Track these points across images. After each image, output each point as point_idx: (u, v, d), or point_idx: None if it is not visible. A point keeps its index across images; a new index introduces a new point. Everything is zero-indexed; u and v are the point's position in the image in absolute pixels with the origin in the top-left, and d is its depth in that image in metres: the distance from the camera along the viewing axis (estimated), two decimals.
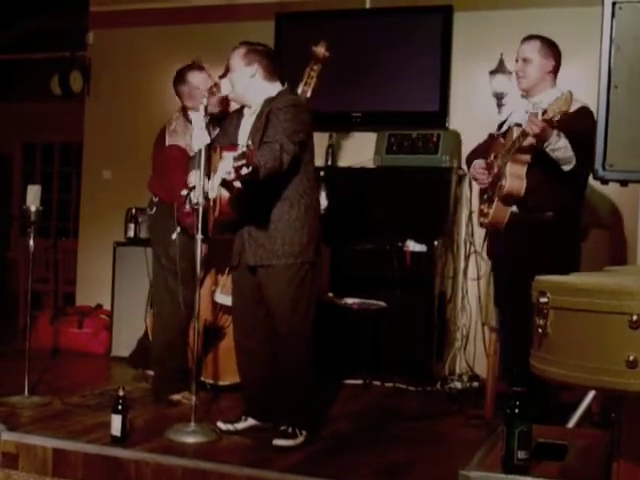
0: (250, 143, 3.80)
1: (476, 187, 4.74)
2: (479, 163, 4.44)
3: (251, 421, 4.26)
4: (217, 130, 4.59)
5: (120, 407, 3.92)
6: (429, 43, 6.10)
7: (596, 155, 3.20)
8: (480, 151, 4.56)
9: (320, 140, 6.18)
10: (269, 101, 4.14)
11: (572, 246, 4.32)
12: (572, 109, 4.05)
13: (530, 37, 4.33)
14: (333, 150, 6.23)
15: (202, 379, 4.98)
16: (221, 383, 5.13)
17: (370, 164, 6.03)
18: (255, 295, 4.17)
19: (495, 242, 4.44)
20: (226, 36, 6.44)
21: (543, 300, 2.39)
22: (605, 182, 3.54)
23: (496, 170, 4.28)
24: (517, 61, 4.34)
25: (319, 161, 6.09)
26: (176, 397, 4.79)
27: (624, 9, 3.26)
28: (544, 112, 3.81)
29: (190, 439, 4.03)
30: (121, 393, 3.93)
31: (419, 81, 6.13)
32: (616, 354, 2.20)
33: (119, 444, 3.89)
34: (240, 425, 4.25)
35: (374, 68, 6.20)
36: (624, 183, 3.45)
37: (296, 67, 6.38)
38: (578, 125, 3.99)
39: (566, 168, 4.05)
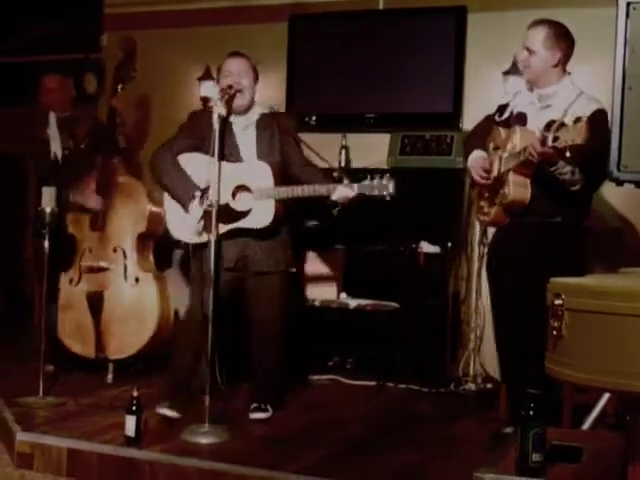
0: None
1: None
2: (480, 162, 4.22)
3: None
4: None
5: (134, 408, 3.93)
6: (443, 44, 6.08)
7: (610, 156, 3.19)
8: (479, 135, 4.40)
9: (333, 141, 6.21)
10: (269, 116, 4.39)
11: (579, 252, 4.21)
12: (588, 111, 3.82)
13: (537, 23, 4.10)
14: (346, 151, 6.23)
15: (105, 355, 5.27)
16: (122, 356, 5.29)
17: (384, 165, 6.02)
18: (230, 298, 4.45)
19: (497, 243, 4.37)
20: (240, 38, 6.46)
21: (558, 302, 2.39)
22: (620, 183, 3.53)
23: (496, 173, 4.13)
24: (522, 49, 4.13)
25: (332, 162, 6.11)
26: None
27: (638, 10, 3.25)
28: (555, 139, 3.52)
29: (204, 440, 4.03)
30: (135, 394, 3.94)
31: (432, 82, 6.12)
32: (631, 356, 2.20)
33: (133, 445, 3.90)
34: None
35: (387, 69, 6.19)
36: (638, 184, 3.44)
37: (309, 68, 6.42)
38: (593, 136, 3.56)
39: (573, 188, 3.91)
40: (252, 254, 4.47)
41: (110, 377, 5.28)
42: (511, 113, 4.25)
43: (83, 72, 7.17)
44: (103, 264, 5.34)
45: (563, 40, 4.10)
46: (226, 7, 6.70)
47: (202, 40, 6.66)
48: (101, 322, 5.25)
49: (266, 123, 4.53)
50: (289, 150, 4.57)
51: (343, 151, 6.21)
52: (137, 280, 5.32)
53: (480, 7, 5.98)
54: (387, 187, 4.31)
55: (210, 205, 4.17)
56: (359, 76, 6.24)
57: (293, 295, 4.70)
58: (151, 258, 5.53)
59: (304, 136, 6.31)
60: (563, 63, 4.12)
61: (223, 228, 4.32)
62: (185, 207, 4.36)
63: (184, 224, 4.40)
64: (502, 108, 4.33)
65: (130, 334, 5.25)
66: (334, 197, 4.39)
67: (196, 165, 4.38)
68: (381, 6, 6.34)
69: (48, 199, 4.80)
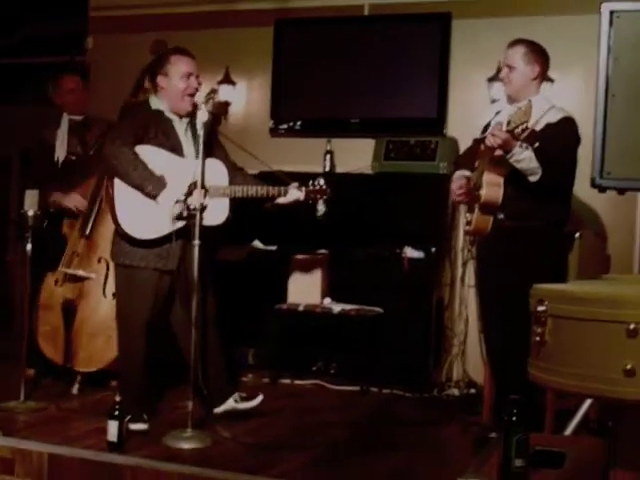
0: None
1: None
2: (459, 180, 4.44)
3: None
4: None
5: (116, 413, 3.91)
6: (427, 50, 6.10)
7: (594, 163, 3.20)
8: (466, 156, 4.59)
9: (318, 146, 6.21)
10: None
11: (558, 255, 4.33)
12: (555, 119, 4.14)
13: (515, 42, 4.32)
14: (331, 156, 6.23)
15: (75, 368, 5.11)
16: (88, 369, 5.12)
17: (368, 170, 6.02)
18: (167, 296, 4.49)
19: (481, 249, 4.46)
20: (225, 42, 6.46)
21: (541, 308, 2.39)
22: (603, 190, 3.55)
23: (475, 179, 4.29)
24: (503, 67, 4.35)
25: (317, 167, 6.12)
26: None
27: (622, 18, 3.27)
28: (508, 123, 3.79)
29: (187, 445, 4.02)
30: (117, 399, 3.92)
31: (417, 88, 6.13)
32: (614, 362, 2.21)
33: (115, 450, 3.88)
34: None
35: (372, 75, 6.20)
36: (621, 191, 3.46)
37: (294, 73, 6.42)
38: (556, 136, 4.04)
39: (532, 179, 4.01)
40: (190, 251, 4.32)
41: (76, 388, 5.09)
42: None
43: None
44: (83, 273, 5.15)
45: (541, 56, 4.30)
46: (211, 11, 6.69)
47: (186, 44, 6.63)
48: (72, 331, 5.08)
49: (202, 125, 4.46)
50: (220, 154, 4.60)
51: (328, 156, 6.21)
52: (114, 295, 4.91)
53: (464, 14, 6.00)
54: (326, 192, 4.60)
55: (193, 208, 4.17)
56: (344, 81, 6.25)
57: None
58: None
59: (289, 140, 6.35)
60: (541, 77, 4.33)
61: (179, 225, 4.31)
62: (155, 199, 4.27)
63: (141, 220, 4.36)
64: (486, 127, 4.46)
65: (97, 349, 5.02)
66: (286, 199, 4.54)
67: (149, 158, 4.33)
68: (366, 12, 6.36)
69: (30, 202, 4.77)
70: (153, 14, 6.85)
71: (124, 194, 4.34)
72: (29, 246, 4.79)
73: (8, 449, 3.93)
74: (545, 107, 4.18)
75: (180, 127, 4.44)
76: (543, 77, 4.35)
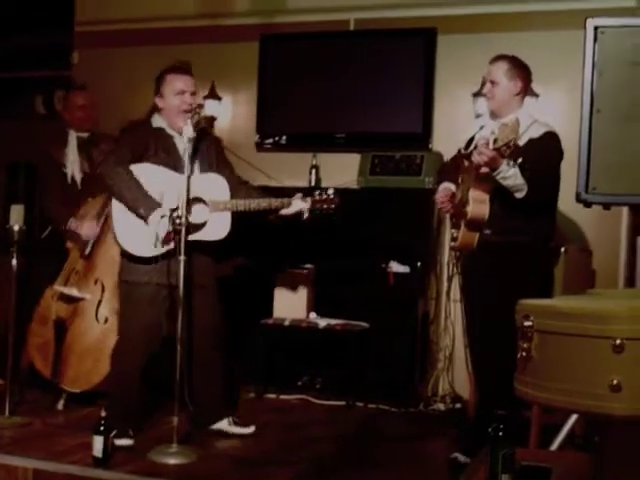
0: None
1: None
2: (444, 190, 4.44)
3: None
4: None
5: (102, 428, 3.90)
6: (413, 65, 6.12)
7: (579, 178, 3.23)
8: (449, 170, 4.57)
9: (303, 160, 6.22)
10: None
11: (545, 270, 4.34)
12: (537, 134, 4.14)
13: (497, 58, 4.32)
14: (317, 171, 6.24)
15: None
16: (74, 390, 5.06)
17: (354, 185, 6.03)
18: (162, 312, 4.45)
19: (467, 263, 4.46)
20: (211, 57, 6.47)
21: (527, 323, 2.39)
22: (588, 205, 3.57)
23: (460, 195, 4.28)
24: (486, 82, 4.35)
25: (302, 181, 6.13)
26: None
27: (606, 34, 3.30)
28: (495, 140, 3.76)
29: (172, 460, 4.01)
30: (103, 414, 3.90)
31: (403, 103, 6.14)
32: (600, 378, 2.21)
33: (101, 465, 3.87)
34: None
35: (358, 89, 6.22)
36: (607, 206, 3.47)
37: (279, 88, 6.43)
38: (540, 151, 4.03)
39: (518, 195, 3.99)
40: (195, 267, 4.42)
41: (61, 404, 5.05)
42: (476, 146, 4.32)
43: (53, 89, 7.14)
44: (77, 294, 5.08)
45: (523, 71, 4.30)
46: (197, 26, 6.70)
47: (173, 58, 6.65)
48: (63, 349, 5.02)
49: (203, 140, 4.53)
50: (224, 169, 4.63)
51: (313, 170, 6.21)
52: (106, 320, 5.01)
53: (449, 29, 6.03)
54: (334, 201, 4.60)
55: (179, 223, 4.16)
56: (330, 96, 6.26)
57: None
58: None
59: (275, 155, 6.36)
60: (523, 92, 4.32)
61: (164, 247, 4.32)
62: (145, 220, 4.30)
63: (136, 237, 4.35)
64: (469, 142, 4.45)
65: (85, 371, 5.00)
66: (289, 210, 4.53)
67: (148, 175, 4.35)
68: (352, 27, 6.38)
69: (16, 217, 4.75)
70: (139, 29, 6.85)
71: (123, 211, 4.36)
72: (14, 261, 4.77)
73: None
74: (527, 122, 4.18)
75: (181, 144, 4.44)
76: (526, 92, 4.35)
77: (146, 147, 4.39)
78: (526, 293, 2.72)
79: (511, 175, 3.93)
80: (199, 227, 4.38)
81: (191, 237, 4.31)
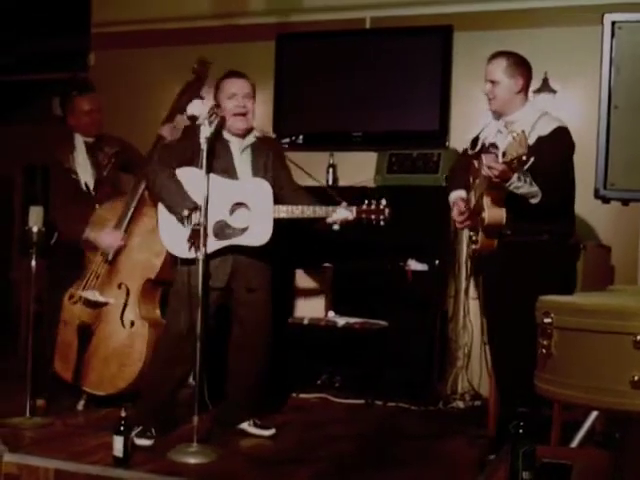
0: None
1: None
2: (458, 205, 4.41)
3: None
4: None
5: (122, 428, 3.91)
6: (429, 63, 6.12)
7: (597, 174, 3.21)
8: (458, 170, 4.54)
9: (321, 159, 6.22)
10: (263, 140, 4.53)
11: (567, 269, 4.30)
12: (546, 131, 4.05)
13: (495, 55, 4.22)
14: (334, 169, 6.24)
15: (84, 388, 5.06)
16: (99, 393, 5.04)
17: (371, 183, 6.03)
18: (215, 315, 4.48)
19: (487, 261, 4.38)
20: (227, 57, 6.47)
21: (547, 320, 2.39)
22: (606, 201, 3.55)
23: (474, 201, 4.24)
24: (485, 83, 4.24)
25: (320, 180, 6.12)
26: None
27: (624, 29, 3.27)
28: (503, 154, 3.65)
29: (192, 460, 4.01)
30: (123, 414, 3.92)
31: (419, 100, 6.14)
32: (621, 374, 2.20)
33: (121, 465, 3.88)
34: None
35: (375, 88, 6.21)
36: (625, 202, 3.45)
37: (296, 87, 6.44)
38: (551, 151, 3.96)
39: (533, 201, 3.94)
40: (243, 270, 4.47)
41: (81, 404, 5.06)
42: (483, 145, 4.30)
43: (70, 91, 7.14)
44: (101, 298, 5.04)
45: (523, 67, 4.20)
46: (212, 26, 6.72)
47: (189, 59, 6.66)
48: (86, 353, 5.00)
49: (261, 147, 4.58)
50: (281, 174, 4.64)
51: (330, 169, 6.22)
52: (132, 324, 4.98)
53: (466, 26, 6.02)
54: (383, 212, 4.52)
55: (197, 224, 4.18)
56: (346, 95, 6.26)
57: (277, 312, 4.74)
58: (156, 305, 5.15)
59: (292, 155, 6.36)
60: (525, 89, 4.22)
61: (219, 244, 4.36)
62: (182, 221, 4.33)
63: (177, 238, 4.37)
64: (474, 142, 4.41)
65: (109, 375, 4.98)
66: (332, 219, 4.49)
67: (193, 179, 4.37)
68: (368, 25, 6.38)
69: (35, 218, 4.77)
70: (155, 30, 6.88)
71: (167, 212, 4.41)
72: (33, 262, 4.79)
73: (14, 465, 3.94)
74: (534, 118, 4.12)
75: (236, 148, 4.47)
76: (528, 88, 4.24)
77: (198, 151, 4.31)
78: (546, 291, 2.71)
79: (522, 185, 3.87)
80: (241, 232, 4.40)
81: (232, 242, 4.35)
